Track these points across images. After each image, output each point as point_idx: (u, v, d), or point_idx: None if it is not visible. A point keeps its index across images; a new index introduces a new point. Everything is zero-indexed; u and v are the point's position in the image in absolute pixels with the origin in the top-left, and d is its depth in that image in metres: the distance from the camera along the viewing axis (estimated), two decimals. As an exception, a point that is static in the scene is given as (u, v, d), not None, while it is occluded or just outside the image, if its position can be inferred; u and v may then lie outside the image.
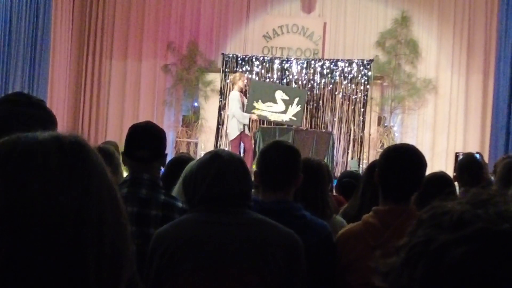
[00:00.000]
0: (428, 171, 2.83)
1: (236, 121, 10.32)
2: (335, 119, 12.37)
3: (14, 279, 0.86)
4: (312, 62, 12.44)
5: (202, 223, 2.34)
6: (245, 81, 10.71)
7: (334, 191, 4.85)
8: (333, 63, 12.38)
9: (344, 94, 12.36)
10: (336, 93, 12.39)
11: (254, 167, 2.84)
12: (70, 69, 13.30)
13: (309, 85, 12.40)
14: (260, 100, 10.58)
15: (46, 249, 0.87)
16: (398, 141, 12.18)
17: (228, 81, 12.40)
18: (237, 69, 12.36)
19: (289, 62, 12.49)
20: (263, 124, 11.29)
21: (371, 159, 9.44)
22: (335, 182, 5.21)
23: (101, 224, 0.92)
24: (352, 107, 12.26)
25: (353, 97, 12.26)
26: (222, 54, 12.72)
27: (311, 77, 12.40)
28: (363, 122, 12.05)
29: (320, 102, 12.41)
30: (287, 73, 12.45)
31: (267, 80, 12.32)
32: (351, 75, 12.23)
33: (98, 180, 0.94)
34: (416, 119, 12.82)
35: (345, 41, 13.06)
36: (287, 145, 2.80)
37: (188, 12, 13.56)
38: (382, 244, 2.33)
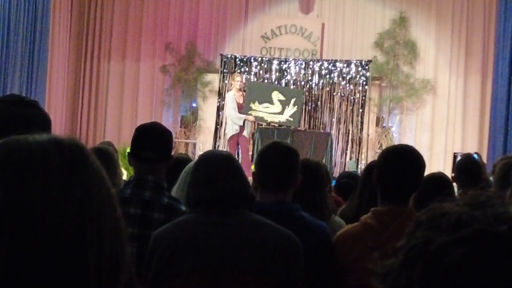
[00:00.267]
0: (426, 172, 2.83)
1: (231, 121, 10.37)
2: (333, 119, 12.37)
3: (15, 279, 0.86)
4: (311, 62, 12.44)
5: (200, 224, 2.35)
6: (239, 82, 10.71)
7: (332, 191, 4.85)
8: (331, 64, 12.38)
9: (342, 94, 12.35)
10: (334, 93, 12.39)
11: (252, 168, 2.84)
12: (68, 70, 13.29)
13: (307, 86, 12.40)
14: (257, 101, 10.52)
15: (47, 250, 0.87)
16: (396, 141, 12.19)
17: (226, 81, 12.42)
18: (235, 70, 12.37)
19: (287, 63, 12.49)
20: (261, 125, 11.28)
21: (370, 160, 9.43)
22: (333, 183, 5.21)
23: (101, 225, 0.92)
24: (351, 107, 12.26)
25: (352, 97, 12.25)
26: (221, 54, 12.72)
27: (309, 78, 12.40)
28: (362, 122, 12.05)
29: (319, 102, 12.40)
30: (286, 73, 12.44)
31: (266, 80, 12.32)
32: (350, 76, 12.24)
33: (97, 181, 0.95)
34: (415, 120, 12.82)
35: (343, 41, 13.06)
36: (285, 146, 2.80)
37: (187, 13, 13.56)
38: (380, 245, 2.33)
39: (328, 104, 12.41)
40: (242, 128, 10.42)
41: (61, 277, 0.88)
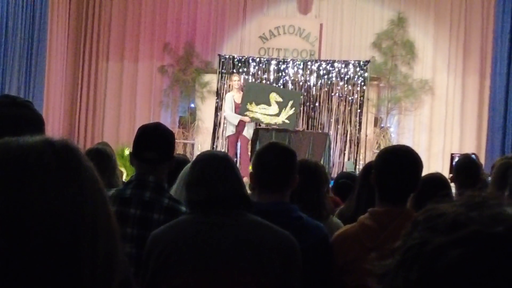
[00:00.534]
0: (424, 172, 2.83)
1: (227, 121, 10.42)
2: (331, 120, 12.36)
3: (9, 280, 0.86)
4: (309, 63, 12.44)
5: (198, 224, 2.35)
6: (236, 81, 10.73)
7: (330, 192, 4.85)
8: (330, 64, 12.37)
9: (340, 95, 12.35)
10: (332, 94, 12.38)
11: (250, 168, 2.85)
12: (67, 71, 13.29)
13: (306, 86, 12.39)
14: (253, 102, 10.45)
15: (41, 251, 0.87)
16: (394, 142, 12.20)
17: (224, 82, 12.43)
18: (234, 70, 12.37)
19: (285, 63, 12.48)
20: (259, 125, 11.27)
21: (368, 160, 9.44)
22: (331, 183, 5.22)
23: (94, 226, 0.92)
24: (349, 108, 12.26)
25: (350, 98, 12.25)
26: (219, 55, 12.71)
27: (308, 78, 12.39)
28: (360, 123, 12.04)
29: (317, 103, 12.40)
30: (284, 74, 12.44)
31: (263, 81, 12.32)
32: (348, 76, 12.23)
33: (91, 182, 0.95)
34: (413, 120, 12.83)
35: (341, 42, 13.07)
36: (283, 146, 2.81)
37: (185, 13, 13.55)
38: (378, 246, 2.33)
39: (326, 105, 12.41)
40: (241, 128, 10.41)
41: (55, 277, 0.88)
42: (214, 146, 12.12)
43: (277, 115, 10.61)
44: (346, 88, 12.28)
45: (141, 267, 2.41)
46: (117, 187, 3.39)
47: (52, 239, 0.88)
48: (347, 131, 12.22)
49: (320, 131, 11.98)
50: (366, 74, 12.06)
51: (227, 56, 12.66)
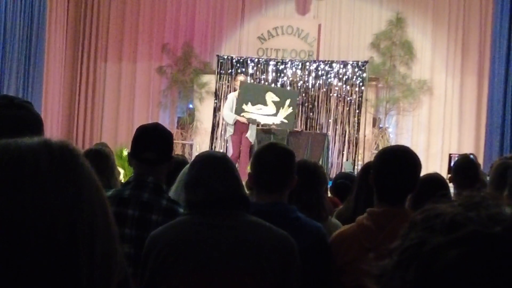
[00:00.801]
0: (422, 173, 2.83)
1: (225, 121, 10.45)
2: (330, 120, 12.36)
3: (10, 280, 0.86)
4: (307, 63, 12.44)
5: (196, 225, 2.35)
6: (240, 81, 10.74)
7: (329, 192, 4.86)
8: (328, 65, 12.37)
9: (339, 95, 12.35)
10: (331, 94, 12.38)
11: (248, 169, 2.85)
12: (65, 71, 13.28)
13: (304, 87, 12.39)
14: (249, 103, 10.28)
15: (38, 253, 0.87)
16: (393, 142, 12.20)
17: (223, 82, 12.43)
18: (232, 71, 12.37)
19: (284, 64, 12.48)
20: (258, 126, 11.24)
21: (366, 161, 9.43)
22: (329, 184, 5.22)
23: (92, 227, 0.92)
24: (347, 108, 12.26)
25: (348, 98, 12.25)
26: (217, 55, 12.71)
27: (306, 79, 12.39)
28: (358, 123, 12.05)
29: (315, 103, 12.40)
30: (282, 74, 12.44)
31: (262, 81, 12.32)
32: (346, 77, 12.24)
33: (88, 183, 0.95)
34: (411, 121, 12.83)
35: (339, 42, 13.07)
36: (281, 147, 2.80)
37: (183, 14, 13.55)
38: (376, 246, 2.33)
39: (325, 105, 12.41)
40: (243, 128, 10.31)
41: (53, 277, 0.88)
42: (213, 147, 12.11)
43: (275, 114, 10.50)
44: (344, 89, 12.29)
45: (139, 267, 2.41)
46: (116, 188, 3.38)
47: (50, 240, 0.88)
48: (345, 132, 12.22)
49: (319, 132, 11.98)
50: (364, 75, 12.06)
51: (225, 57, 12.65)
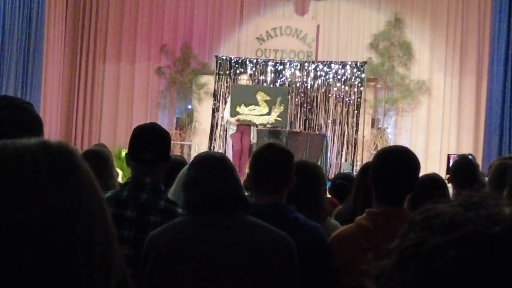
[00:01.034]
0: (421, 173, 2.83)
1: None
2: (328, 121, 12.36)
3: (9, 281, 0.86)
4: (306, 64, 12.44)
5: (195, 225, 2.34)
6: (245, 80, 10.73)
7: (327, 193, 4.86)
8: (327, 65, 12.38)
9: (337, 96, 12.35)
10: (329, 95, 12.38)
11: (247, 170, 2.84)
12: (63, 72, 13.27)
13: (303, 87, 12.40)
14: (242, 104, 10.21)
15: (37, 253, 0.87)
16: (391, 143, 12.19)
17: (221, 83, 12.43)
18: (231, 72, 12.37)
19: (282, 64, 12.48)
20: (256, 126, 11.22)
21: (365, 161, 9.43)
22: (328, 184, 5.22)
23: (91, 228, 0.92)
24: (346, 109, 12.26)
25: (347, 99, 12.26)
26: (216, 56, 12.70)
27: (305, 79, 12.40)
28: (357, 124, 12.05)
29: (314, 104, 12.41)
30: (281, 75, 12.45)
31: (261, 82, 12.31)
32: (345, 77, 12.24)
33: (87, 184, 0.95)
34: (410, 121, 12.83)
35: (338, 43, 13.07)
36: (280, 147, 2.81)
37: (182, 15, 13.55)
38: (375, 247, 2.33)
39: (324, 106, 12.41)
40: (241, 128, 10.31)
41: (52, 279, 0.88)
42: (211, 148, 12.11)
43: (268, 113, 10.43)
44: (343, 89, 12.29)
45: (138, 268, 2.40)
46: (114, 189, 3.38)
47: (49, 240, 0.88)
48: (344, 132, 12.23)
49: (317, 132, 11.98)
50: (363, 75, 12.07)
51: (224, 58, 12.65)
